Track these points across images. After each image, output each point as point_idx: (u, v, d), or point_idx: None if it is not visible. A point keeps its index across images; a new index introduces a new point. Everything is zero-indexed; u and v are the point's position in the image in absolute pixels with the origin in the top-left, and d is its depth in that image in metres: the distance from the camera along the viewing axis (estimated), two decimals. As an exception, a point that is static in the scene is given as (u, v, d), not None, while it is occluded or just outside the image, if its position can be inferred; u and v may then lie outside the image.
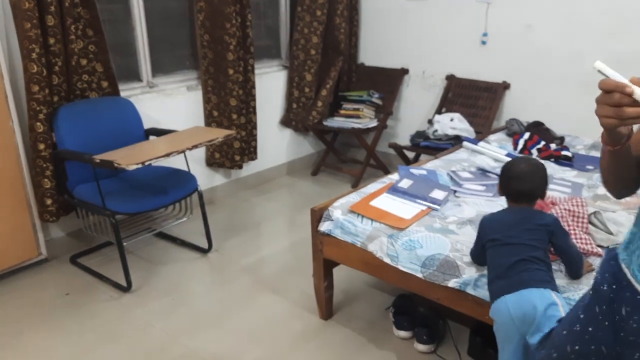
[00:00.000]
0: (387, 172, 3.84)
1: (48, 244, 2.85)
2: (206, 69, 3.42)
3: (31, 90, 2.54)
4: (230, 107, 3.49)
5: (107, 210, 2.52)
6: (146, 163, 2.39)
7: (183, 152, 2.56)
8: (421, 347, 2.18)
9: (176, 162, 2.96)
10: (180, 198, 2.75)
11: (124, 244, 2.61)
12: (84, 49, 2.75)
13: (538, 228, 1.65)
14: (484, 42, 3.69)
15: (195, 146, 2.60)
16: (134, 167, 2.33)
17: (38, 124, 2.59)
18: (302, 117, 4.09)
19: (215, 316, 2.45)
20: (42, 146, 2.63)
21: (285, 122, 4.14)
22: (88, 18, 2.72)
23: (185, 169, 2.95)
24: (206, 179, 3.63)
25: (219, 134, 2.78)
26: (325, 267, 2.30)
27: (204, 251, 3.01)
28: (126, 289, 2.62)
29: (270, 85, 3.95)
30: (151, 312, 2.47)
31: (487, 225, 1.75)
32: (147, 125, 3.03)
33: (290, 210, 3.66)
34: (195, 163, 3.49)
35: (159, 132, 2.97)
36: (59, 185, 2.73)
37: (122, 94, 3.00)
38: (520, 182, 1.73)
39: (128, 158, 2.40)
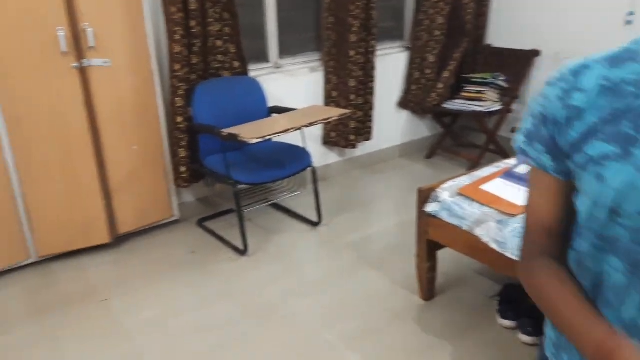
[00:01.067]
0: (506, 157, 3.67)
1: (180, 207, 3.20)
2: (329, 51, 3.54)
3: (174, 69, 2.86)
4: (349, 87, 3.58)
5: (231, 180, 2.77)
6: (267, 138, 2.57)
7: (300, 129, 2.70)
8: (525, 338, 2.12)
9: (294, 139, 3.14)
10: (295, 172, 2.92)
11: (244, 211, 2.85)
12: (220, 31, 3.01)
13: None
14: (629, 22, 3.34)
15: (312, 124, 2.74)
16: (255, 141, 2.53)
17: (178, 99, 2.91)
18: (420, 98, 4.06)
19: (319, 285, 2.59)
20: (180, 119, 2.95)
21: (403, 103, 4.14)
22: (225, 2, 2.96)
23: (302, 145, 3.12)
24: (321, 156, 3.79)
25: (334, 113, 2.89)
26: (429, 249, 2.31)
27: (314, 224, 3.17)
28: (243, 252, 2.87)
29: (390, 67, 3.97)
30: (263, 274, 2.68)
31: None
32: (271, 103, 3.25)
33: (400, 191, 3.69)
34: (311, 141, 3.65)
35: (281, 110, 3.16)
36: (192, 155, 3.04)
37: (251, 74, 3.24)
38: None
39: (251, 133, 2.61)
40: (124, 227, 2.97)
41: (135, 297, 2.52)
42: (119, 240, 2.97)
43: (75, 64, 2.57)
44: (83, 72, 2.61)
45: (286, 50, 3.54)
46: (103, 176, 2.81)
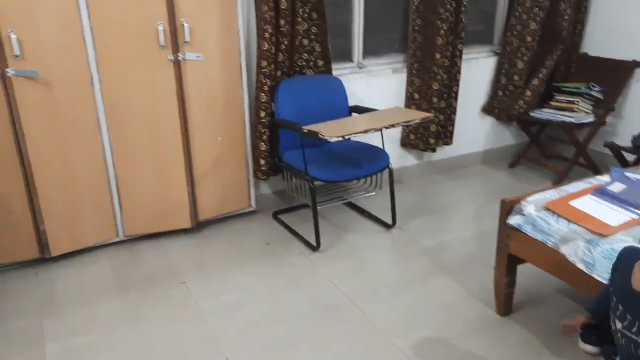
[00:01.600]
0: (597, 173, 3.46)
1: (257, 199, 3.29)
2: (414, 53, 3.50)
3: (261, 65, 2.94)
4: (432, 91, 3.52)
5: (308, 176, 2.81)
6: (346, 137, 2.59)
7: (380, 130, 2.69)
8: (607, 367, 1.98)
9: (373, 139, 3.13)
10: (372, 173, 2.91)
11: (318, 208, 2.89)
12: (308, 30, 3.06)
13: None
14: None
15: (393, 126, 2.72)
16: (335, 139, 2.55)
17: (262, 94, 2.99)
18: (507, 105, 3.91)
19: (391, 289, 2.57)
20: (263, 114, 3.03)
21: (488, 110, 4.01)
22: (314, 2, 3.00)
23: (381, 146, 3.10)
24: (399, 158, 3.75)
25: (416, 116, 2.85)
26: (509, 263, 2.23)
27: (387, 226, 3.15)
28: (315, 248, 2.90)
29: (477, 72, 3.85)
30: (334, 272, 2.70)
31: None
32: (352, 103, 3.26)
33: (480, 200, 3.57)
34: (390, 142, 3.62)
35: (362, 110, 3.16)
36: (272, 149, 3.12)
37: (334, 73, 3.26)
38: None
39: (331, 131, 2.63)
40: (204, 214, 3.10)
41: (211, 282, 2.62)
42: (199, 226, 3.10)
43: (171, 57, 2.70)
44: (178, 65, 2.74)
45: (370, 50, 3.53)
46: (189, 165, 2.95)
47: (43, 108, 2.52)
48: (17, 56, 2.39)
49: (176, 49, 2.71)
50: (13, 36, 2.35)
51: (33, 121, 2.51)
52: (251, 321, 2.33)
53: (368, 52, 3.52)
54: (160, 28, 2.62)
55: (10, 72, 2.40)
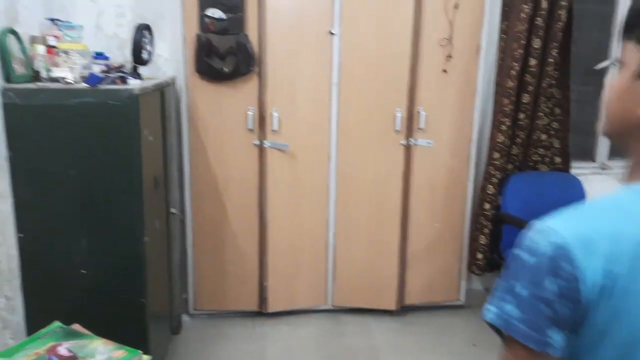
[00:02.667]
0: None
1: (467, 293, 3.11)
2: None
3: (492, 157, 2.87)
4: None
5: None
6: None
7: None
8: None
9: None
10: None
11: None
12: (547, 125, 2.91)
13: None
14: None
15: None
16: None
17: (490, 186, 2.89)
18: None
19: None
20: (487, 206, 2.92)
21: None
22: (559, 98, 2.86)
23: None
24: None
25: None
26: None
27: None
28: (531, 363, 2.58)
29: None
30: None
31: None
32: (589, 206, 2.94)
33: None
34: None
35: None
36: (492, 244, 2.95)
37: (572, 171, 3.01)
38: None
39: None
40: (410, 299, 3.04)
41: (411, 374, 2.51)
42: (403, 309, 3.04)
43: (403, 141, 2.81)
44: (408, 149, 2.84)
45: (617, 151, 3.19)
46: (403, 246, 2.96)
47: (286, 176, 2.82)
48: (274, 131, 2.74)
49: (409, 134, 2.82)
50: (275, 114, 2.72)
51: (276, 186, 2.82)
52: None
53: (614, 152, 3.19)
54: (398, 114, 2.76)
55: (266, 143, 2.76)
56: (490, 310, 0.75)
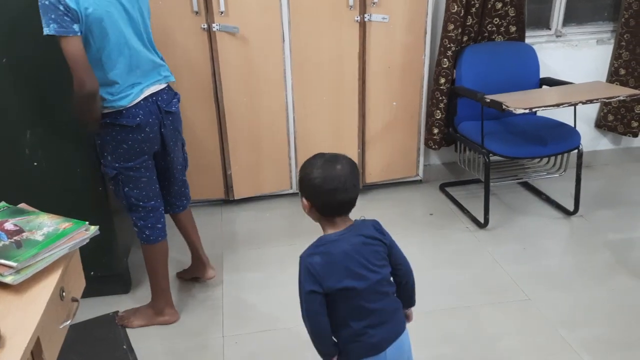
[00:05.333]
0: None
1: (425, 169, 3.22)
2: (625, 22, 3.04)
3: (447, 29, 2.82)
4: (643, 66, 3.05)
5: (483, 149, 2.66)
6: (534, 110, 2.38)
7: (574, 105, 2.42)
8: None
9: (562, 116, 2.83)
10: (557, 152, 2.66)
11: (490, 184, 2.73)
12: (502, -8, 2.84)
13: (376, 243, 1.33)
14: None
15: (590, 101, 2.43)
16: (520, 111, 2.36)
17: (445, 59, 2.88)
18: None
19: (564, 279, 2.35)
20: (442, 80, 2.92)
21: None
22: (513, -39, 2.77)
23: (571, 124, 2.79)
24: (590, 140, 3.35)
25: (621, 92, 2.50)
26: None
27: (567, 213, 2.86)
28: (482, 225, 2.76)
29: None
30: (500, 253, 2.55)
31: (323, 272, 1.25)
32: (543, 74, 2.97)
33: (688, 200, 3.05)
34: (582, 121, 3.23)
35: (554, 83, 2.87)
36: (447, 118, 3.01)
37: (527, 40, 3.00)
38: (346, 191, 1.28)
39: (517, 102, 2.44)
40: (371, 177, 3.14)
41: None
42: (364, 188, 3.16)
43: (357, 18, 2.73)
44: (363, 25, 2.76)
45: (572, 17, 3.16)
46: (362, 126, 2.99)
47: (238, 61, 2.75)
48: (222, 12, 2.62)
49: (363, 9, 2.73)
50: (221, -6, 2.58)
51: (229, 72, 2.75)
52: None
53: (569, 19, 3.16)
54: (351, -12, 2.65)
55: (215, 26, 2.65)
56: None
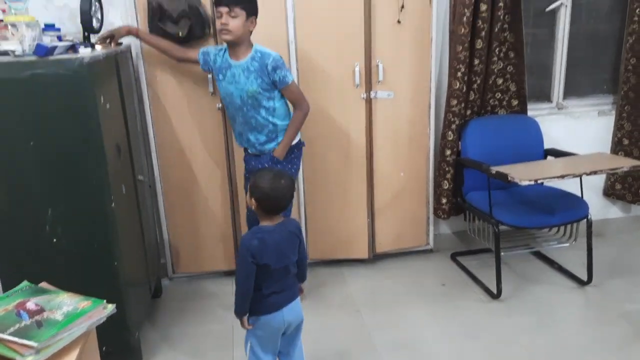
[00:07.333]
0: None
1: (435, 238, 3.24)
2: (625, 94, 3.16)
3: (450, 104, 2.94)
4: (645, 136, 3.12)
5: (492, 219, 2.69)
6: (539, 181, 2.43)
7: (580, 176, 2.47)
8: None
9: (570, 186, 2.87)
10: (567, 222, 2.67)
11: (501, 254, 2.73)
12: (503, 69, 2.98)
13: (295, 238, 1.82)
14: None
15: (595, 172, 2.47)
16: (526, 183, 2.41)
17: (449, 132, 2.98)
18: None
19: (581, 351, 2.29)
20: (448, 152, 3.01)
21: None
22: (512, 42, 2.93)
23: (578, 194, 2.83)
24: (600, 209, 3.37)
25: (624, 163, 2.55)
26: None
27: (581, 282, 2.83)
28: (495, 295, 2.74)
29: None
30: (515, 324, 2.51)
31: (256, 252, 1.72)
32: (547, 145, 3.05)
33: None
34: (590, 190, 3.27)
35: (558, 154, 2.94)
36: (455, 189, 3.06)
37: (529, 113, 3.11)
38: (285, 199, 1.77)
39: (523, 173, 2.49)
40: (381, 247, 3.16)
41: (383, 316, 2.64)
42: (375, 258, 3.16)
43: (364, 95, 2.86)
44: (369, 102, 2.89)
45: (572, 90, 3.29)
46: (370, 197, 3.05)
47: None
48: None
49: (369, 87, 2.87)
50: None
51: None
52: (421, 361, 2.29)
53: (570, 92, 3.29)
54: (357, 69, 2.80)
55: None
56: None
